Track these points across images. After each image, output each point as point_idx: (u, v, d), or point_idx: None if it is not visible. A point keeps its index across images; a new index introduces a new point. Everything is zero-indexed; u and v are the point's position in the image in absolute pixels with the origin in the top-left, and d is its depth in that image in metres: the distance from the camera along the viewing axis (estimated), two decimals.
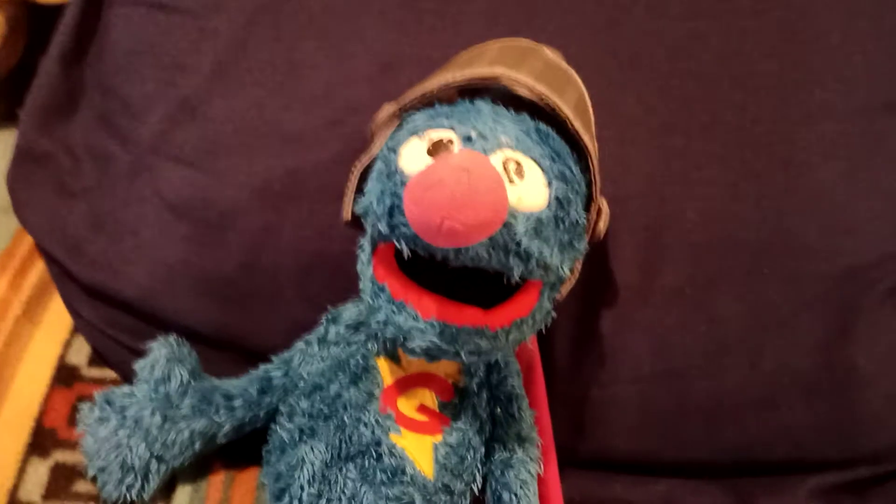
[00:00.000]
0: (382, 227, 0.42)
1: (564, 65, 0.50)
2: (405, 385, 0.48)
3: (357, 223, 0.48)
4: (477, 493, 0.50)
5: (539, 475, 0.50)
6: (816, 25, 0.59)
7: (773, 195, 0.58)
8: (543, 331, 0.47)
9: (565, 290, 0.48)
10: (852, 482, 0.57)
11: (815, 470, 0.58)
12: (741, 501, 0.57)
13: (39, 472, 0.52)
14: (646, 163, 0.58)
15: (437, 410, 0.48)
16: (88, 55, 0.66)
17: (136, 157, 0.62)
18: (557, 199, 0.42)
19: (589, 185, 0.46)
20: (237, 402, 0.51)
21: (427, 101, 0.47)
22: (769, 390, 0.57)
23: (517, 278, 0.42)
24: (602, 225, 0.48)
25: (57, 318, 0.62)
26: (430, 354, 0.44)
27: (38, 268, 0.64)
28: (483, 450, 0.49)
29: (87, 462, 0.50)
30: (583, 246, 0.46)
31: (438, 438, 0.48)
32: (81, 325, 0.61)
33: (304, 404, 0.49)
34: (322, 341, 0.52)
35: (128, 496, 0.50)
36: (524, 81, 0.45)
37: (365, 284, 0.46)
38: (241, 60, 0.60)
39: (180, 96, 0.61)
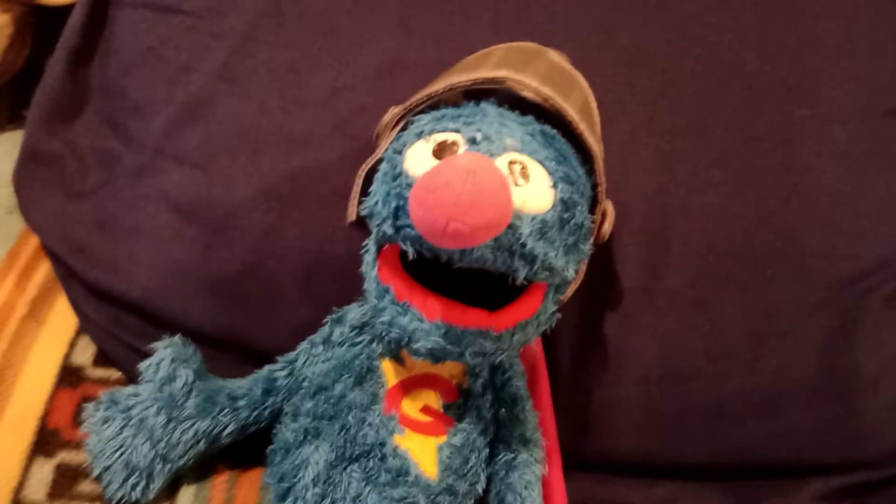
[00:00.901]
0: (388, 229, 0.43)
1: (570, 67, 0.50)
2: (409, 386, 0.49)
3: (362, 225, 0.48)
4: (481, 495, 0.50)
5: (543, 476, 0.50)
6: (821, 29, 0.59)
7: (777, 198, 0.58)
8: (548, 332, 0.47)
9: (570, 291, 0.48)
10: (854, 486, 0.57)
11: (817, 474, 0.58)
12: None
13: (44, 471, 0.52)
14: (650, 165, 0.58)
15: (441, 412, 0.49)
16: (95, 57, 0.66)
17: (142, 158, 0.62)
18: (562, 201, 0.42)
19: (594, 187, 0.46)
20: (242, 403, 0.52)
21: (433, 104, 0.47)
22: (772, 394, 0.57)
23: (522, 280, 0.42)
24: (607, 227, 0.48)
25: (62, 318, 0.62)
26: (435, 356, 0.44)
27: (44, 268, 0.64)
28: (487, 451, 0.50)
29: (92, 462, 0.50)
30: (587, 248, 0.46)
31: (442, 439, 0.48)
32: (87, 326, 0.61)
33: (309, 405, 0.49)
34: (326, 342, 0.52)
35: (132, 496, 0.50)
36: (529, 84, 0.45)
37: (370, 286, 0.46)
38: (247, 63, 0.61)
39: (186, 98, 0.61)
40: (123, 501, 0.50)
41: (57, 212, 0.64)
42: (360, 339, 0.51)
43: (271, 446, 0.51)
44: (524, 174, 0.41)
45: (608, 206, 0.48)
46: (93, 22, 0.65)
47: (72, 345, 0.60)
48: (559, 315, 0.47)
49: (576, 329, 0.58)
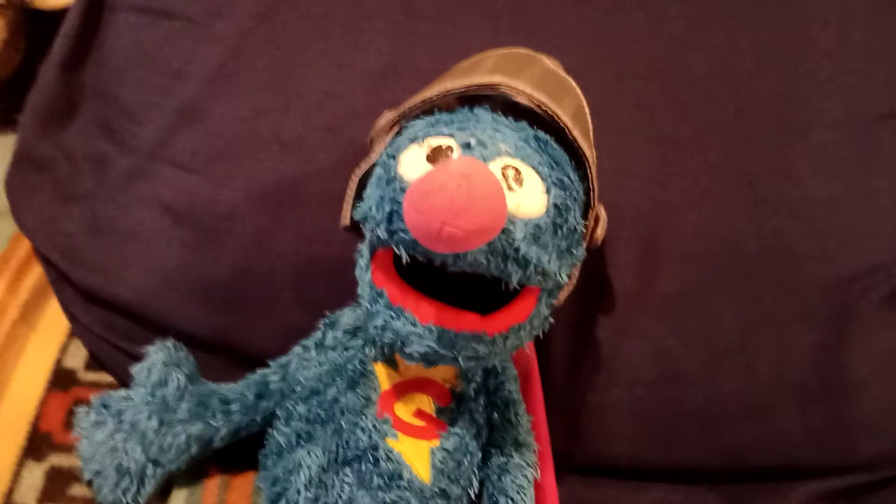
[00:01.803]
0: (381, 233, 0.43)
1: (563, 73, 0.51)
2: (402, 390, 0.49)
3: (356, 229, 0.48)
4: (474, 498, 0.50)
5: (536, 480, 0.50)
6: (813, 36, 0.60)
7: (769, 203, 0.58)
8: (541, 336, 0.47)
9: (563, 296, 0.48)
10: (846, 489, 0.58)
11: (810, 476, 0.58)
12: None
13: (35, 475, 0.52)
14: (643, 171, 0.58)
15: (435, 415, 0.48)
16: (88, 61, 0.66)
17: (135, 162, 0.62)
18: (556, 205, 0.43)
19: (587, 192, 0.46)
20: (234, 407, 0.52)
21: (427, 109, 0.47)
22: (764, 397, 0.58)
23: (515, 284, 0.42)
24: (600, 232, 0.48)
25: (54, 321, 0.61)
26: (428, 360, 0.44)
27: (36, 272, 0.64)
28: (480, 455, 0.50)
29: (83, 466, 0.50)
30: (580, 252, 0.46)
31: (435, 443, 0.48)
32: (78, 329, 0.61)
33: (302, 409, 0.49)
34: (320, 346, 0.52)
35: (123, 500, 0.50)
36: (523, 89, 0.45)
37: (363, 290, 0.46)
38: (241, 67, 0.61)
39: (179, 102, 0.61)
40: None
41: (49, 215, 0.64)
42: (353, 343, 0.51)
43: (264, 450, 0.51)
44: (518, 179, 0.42)
45: (601, 211, 0.48)
46: (86, 26, 0.65)
47: (63, 349, 0.60)
48: (552, 319, 0.47)
49: (569, 333, 0.58)
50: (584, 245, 0.47)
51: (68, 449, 0.53)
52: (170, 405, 0.51)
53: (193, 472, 0.53)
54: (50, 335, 0.61)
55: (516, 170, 0.42)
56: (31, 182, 0.66)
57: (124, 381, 0.55)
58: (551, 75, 0.49)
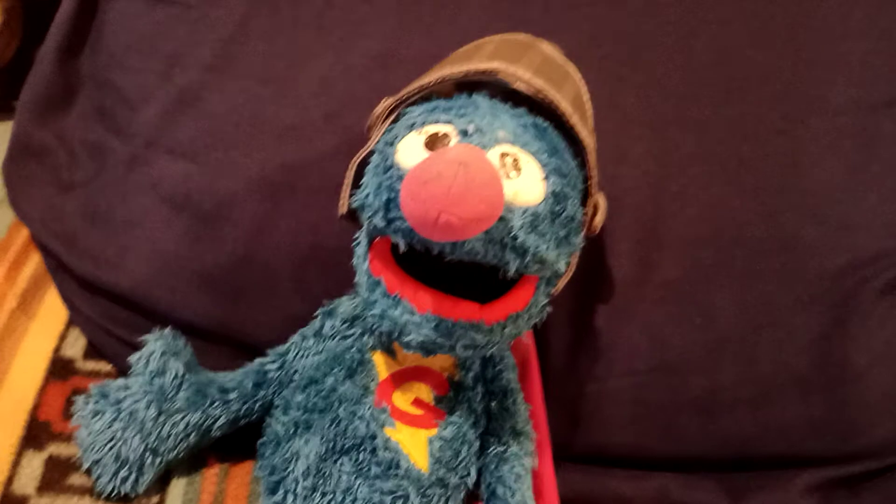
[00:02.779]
0: (379, 221, 0.42)
1: (562, 59, 0.50)
2: (400, 379, 0.48)
3: (353, 217, 0.48)
4: (471, 487, 0.50)
5: (534, 469, 0.50)
6: (816, 22, 0.59)
7: (770, 191, 0.58)
8: (539, 325, 0.47)
9: (561, 284, 0.48)
10: (846, 477, 0.58)
11: (809, 465, 0.58)
12: (735, 496, 0.57)
13: (34, 464, 0.52)
14: (643, 158, 0.58)
15: (433, 404, 0.48)
16: (85, 47, 0.66)
17: (133, 149, 0.62)
18: (554, 193, 0.42)
19: (586, 180, 0.46)
20: (232, 396, 0.51)
21: (425, 96, 0.47)
22: (764, 386, 0.57)
23: (513, 273, 0.42)
24: (598, 219, 0.48)
25: (52, 310, 0.61)
26: (426, 348, 0.44)
27: (34, 260, 0.64)
28: (478, 444, 0.50)
29: (82, 455, 0.50)
30: (579, 240, 0.46)
31: (433, 432, 0.48)
32: (77, 318, 0.61)
33: (300, 398, 0.49)
34: (317, 335, 0.52)
35: (122, 489, 0.50)
36: (522, 76, 0.45)
37: (361, 278, 0.46)
38: (239, 53, 0.60)
39: (177, 89, 0.61)
40: (114, 494, 0.50)
41: (47, 203, 0.64)
42: (351, 331, 0.51)
43: (262, 439, 0.51)
44: (516, 166, 0.41)
45: (600, 199, 0.48)
46: (83, 12, 0.65)
47: (62, 337, 0.60)
48: (550, 308, 0.47)
49: (567, 322, 0.58)
50: (583, 233, 0.46)
51: (67, 438, 0.53)
52: (168, 394, 0.51)
53: (192, 461, 0.53)
54: (48, 324, 0.61)
55: (514, 157, 0.42)
56: (28, 170, 0.65)
57: (123, 369, 0.55)
58: (550, 61, 0.48)
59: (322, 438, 0.47)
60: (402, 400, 0.48)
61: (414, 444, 0.47)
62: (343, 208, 0.49)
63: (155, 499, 0.52)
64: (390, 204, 0.42)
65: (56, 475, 0.52)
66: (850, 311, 0.57)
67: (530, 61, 0.47)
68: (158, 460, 0.51)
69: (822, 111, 0.58)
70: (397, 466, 0.46)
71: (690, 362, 0.57)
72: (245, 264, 0.58)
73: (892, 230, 0.59)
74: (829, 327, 0.57)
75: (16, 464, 0.52)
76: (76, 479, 0.52)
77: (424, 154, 0.42)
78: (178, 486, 0.53)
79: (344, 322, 0.51)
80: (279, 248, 0.58)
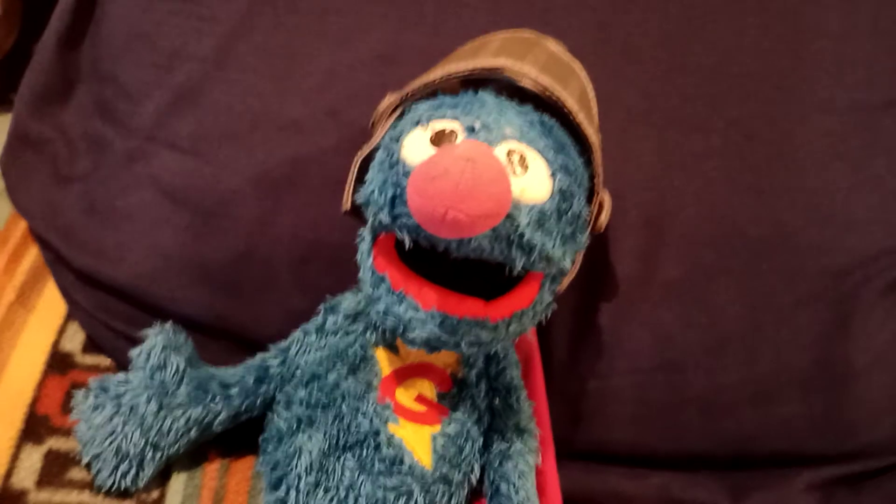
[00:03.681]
0: (384, 217, 0.42)
1: (568, 56, 0.50)
2: (404, 375, 0.48)
3: (357, 213, 0.47)
4: (475, 484, 0.50)
5: (537, 466, 0.50)
6: (817, 22, 0.59)
7: (772, 190, 0.58)
8: (543, 322, 0.47)
9: (566, 282, 0.48)
10: (847, 476, 0.58)
11: (810, 464, 0.58)
12: (735, 494, 0.58)
13: (33, 458, 0.52)
14: (647, 156, 0.58)
15: (436, 401, 0.48)
16: (85, 40, 0.65)
17: (133, 143, 0.61)
18: (560, 191, 0.42)
19: (591, 177, 0.46)
20: (234, 391, 0.51)
21: (430, 92, 0.46)
22: (766, 384, 0.58)
23: (519, 270, 0.42)
24: (604, 218, 0.48)
25: (51, 304, 0.61)
26: (430, 345, 0.44)
27: (32, 253, 0.63)
28: (481, 440, 0.50)
29: (82, 449, 0.50)
30: (584, 238, 0.46)
31: (437, 429, 0.48)
32: (76, 312, 0.61)
33: (302, 394, 0.49)
34: (320, 331, 0.52)
35: (122, 483, 0.50)
36: (528, 73, 0.45)
37: (365, 274, 0.46)
38: (241, 47, 0.60)
39: (178, 83, 0.61)
40: (114, 489, 0.50)
41: (46, 196, 0.64)
42: (353, 327, 0.50)
43: (264, 434, 0.51)
44: (522, 164, 0.41)
45: (605, 197, 0.48)
46: (83, 4, 0.64)
47: (61, 331, 0.60)
48: (555, 305, 0.47)
49: (571, 319, 0.58)
50: (588, 231, 0.46)
51: (66, 432, 0.53)
52: (169, 389, 0.50)
53: (193, 456, 0.53)
54: (47, 317, 0.60)
55: (521, 154, 0.41)
56: (27, 162, 0.65)
57: (122, 364, 0.54)
58: (556, 58, 0.48)
59: (325, 434, 0.47)
60: (405, 396, 0.48)
61: (417, 441, 0.47)
62: (346, 204, 0.49)
63: (155, 493, 0.52)
64: (396, 200, 0.41)
65: (55, 469, 0.52)
66: (851, 309, 0.58)
67: (536, 58, 0.47)
68: (159, 455, 0.50)
69: (825, 111, 0.58)
70: (401, 463, 0.46)
71: (693, 360, 0.58)
72: (245, 259, 0.58)
73: (892, 230, 0.59)
74: (830, 327, 0.58)
75: (15, 458, 0.52)
76: (76, 474, 0.51)
77: (430, 150, 0.42)
78: (178, 481, 0.53)
79: (346, 318, 0.51)
80: (281, 244, 0.58)
